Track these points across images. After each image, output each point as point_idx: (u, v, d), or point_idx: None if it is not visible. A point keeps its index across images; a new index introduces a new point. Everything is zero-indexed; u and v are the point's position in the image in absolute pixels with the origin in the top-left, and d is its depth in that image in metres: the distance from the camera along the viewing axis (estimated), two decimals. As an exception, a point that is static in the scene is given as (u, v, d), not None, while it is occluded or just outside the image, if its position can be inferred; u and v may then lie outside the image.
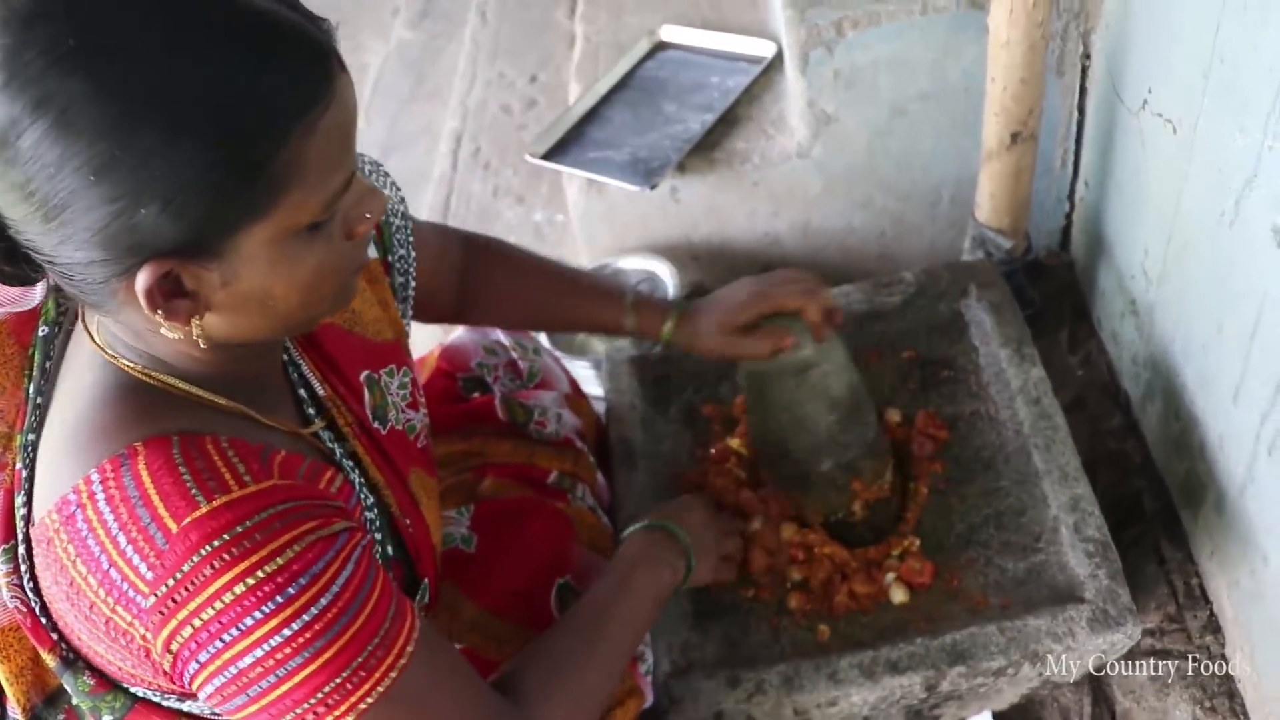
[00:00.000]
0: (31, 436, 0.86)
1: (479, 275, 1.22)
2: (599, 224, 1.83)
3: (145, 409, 0.80)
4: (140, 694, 0.85)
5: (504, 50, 2.63)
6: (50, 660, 0.85)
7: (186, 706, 0.85)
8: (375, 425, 0.98)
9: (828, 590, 1.25)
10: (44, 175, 0.68)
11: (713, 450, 1.41)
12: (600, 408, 1.51)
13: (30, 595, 0.84)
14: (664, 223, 1.82)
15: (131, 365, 0.81)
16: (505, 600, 1.12)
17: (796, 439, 1.26)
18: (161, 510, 0.74)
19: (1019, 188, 1.57)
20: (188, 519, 0.73)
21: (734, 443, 1.39)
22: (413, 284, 1.10)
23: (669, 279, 1.77)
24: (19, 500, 0.85)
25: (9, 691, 0.90)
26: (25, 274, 0.77)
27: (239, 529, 0.73)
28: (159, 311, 0.73)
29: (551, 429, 1.31)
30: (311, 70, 0.72)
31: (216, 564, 0.73)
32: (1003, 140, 1.51)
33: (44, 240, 0.71)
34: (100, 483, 0.76)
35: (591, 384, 1.64)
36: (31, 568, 0.84)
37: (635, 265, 1.83)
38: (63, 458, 0.80)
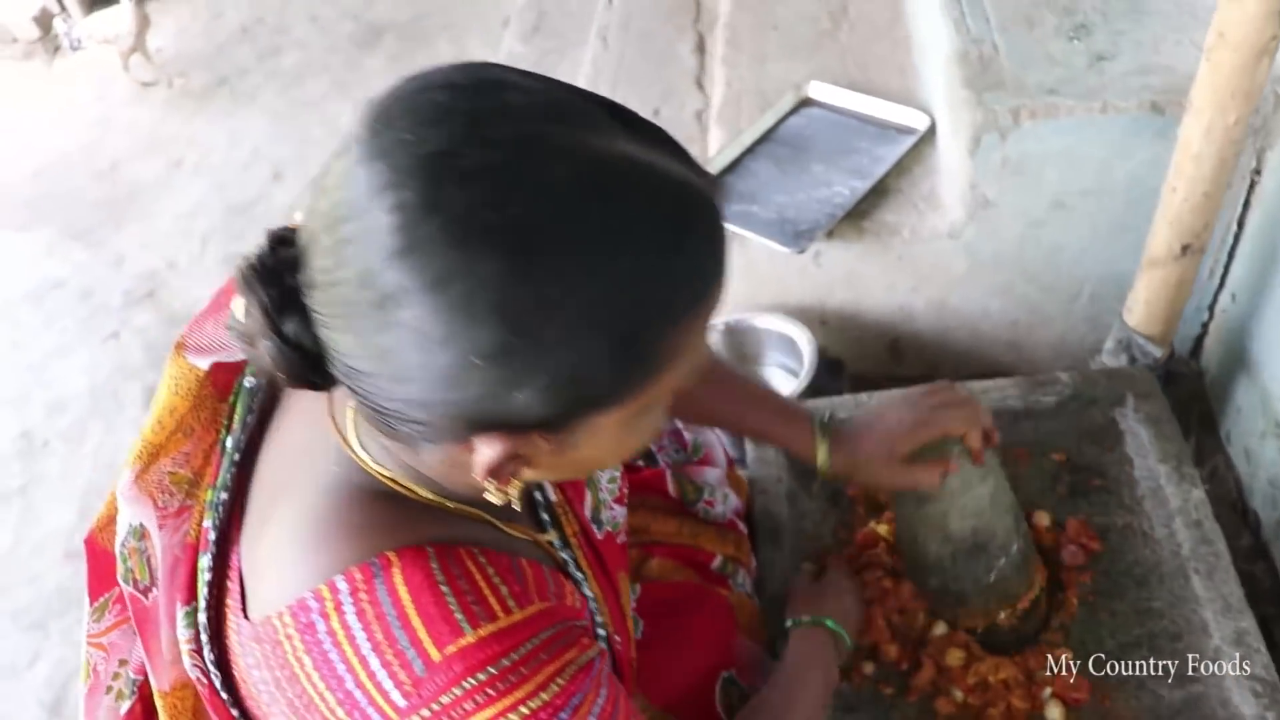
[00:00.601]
0: (224, 495, 0.82)
1: None
2: (735, 277, 1.80)
3: (395, 513, 0.75)
4: None
5: (625, 79, 2.60)
6: None
7: None
8: (593, 529, 0.94)
9: (980, 697, 1.23)
10: (417, 348, 0.60)
11: (859, 534, 1.39)
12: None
13: (211, 667, 0.80)
14: (800, 284, 1.80)
15: (384, 473, 0.76)
16: (675, 695, 1.10)
17: (947, 558, 1.20)
18: (423, 634, 0.69)
19: (1178, 298, 1.55)
20: (451, 647, 0.69)
21: (881, 528, 1.37)
22: None
23: (806, 347, 1.74)
24: (204, 562, 0.82)
25: None
26: (316, 386, 0.70)
27: (505, 662, 0.69)
28: (490, 477, 0.68)
29: (719, 510, 1.29)
30: (711, 257, 0.66)
31: (480, 698, 0.69)
32: (1172, 250, 1.49)
33: (378, 391, 0.64)
34: (350, 593, 0.71)
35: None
36: (212, 636, 0.81)
37: (771, 326, 1.81)
38: (298, 553, 0.74)
